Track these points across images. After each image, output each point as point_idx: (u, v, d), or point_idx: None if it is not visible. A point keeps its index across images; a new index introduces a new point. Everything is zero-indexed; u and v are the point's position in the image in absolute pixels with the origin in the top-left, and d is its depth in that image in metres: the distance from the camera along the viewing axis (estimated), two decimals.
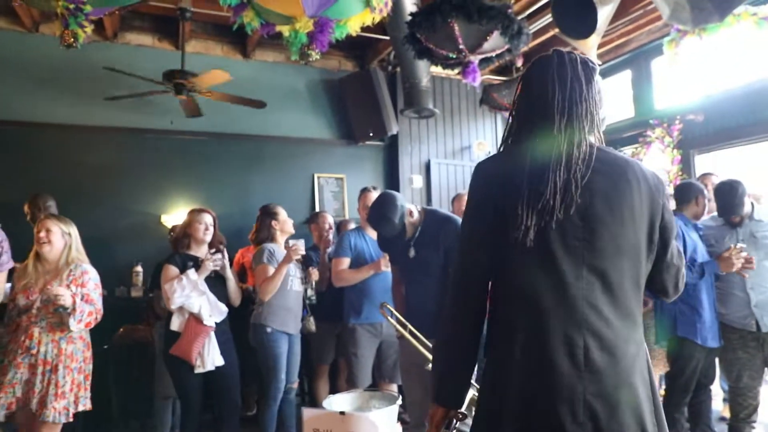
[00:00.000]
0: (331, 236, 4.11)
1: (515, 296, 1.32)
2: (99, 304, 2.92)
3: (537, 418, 1.26)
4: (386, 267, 3.33)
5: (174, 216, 5.00)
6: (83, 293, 2.86)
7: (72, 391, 2.80)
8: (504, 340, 1.32)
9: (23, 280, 2.87)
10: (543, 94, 1.37)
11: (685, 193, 3.35)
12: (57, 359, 2.77)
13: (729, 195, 3.15)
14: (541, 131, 1.36)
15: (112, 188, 4.96)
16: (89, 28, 2.76)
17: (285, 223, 3.62)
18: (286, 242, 3.55)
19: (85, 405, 2.87)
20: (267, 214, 3.65)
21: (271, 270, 3.37)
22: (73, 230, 2.99)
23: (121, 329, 4.02)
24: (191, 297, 3.09)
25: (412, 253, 2.77)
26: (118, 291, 4.54)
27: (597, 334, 1.27)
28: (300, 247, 3.33)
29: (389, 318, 2.67)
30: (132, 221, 4.99)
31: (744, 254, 3.00)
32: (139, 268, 4.72)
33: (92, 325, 2.87)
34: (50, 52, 4.52)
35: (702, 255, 3.20)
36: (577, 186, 1.30)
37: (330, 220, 4.26)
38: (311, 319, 3.64)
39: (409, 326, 2.61)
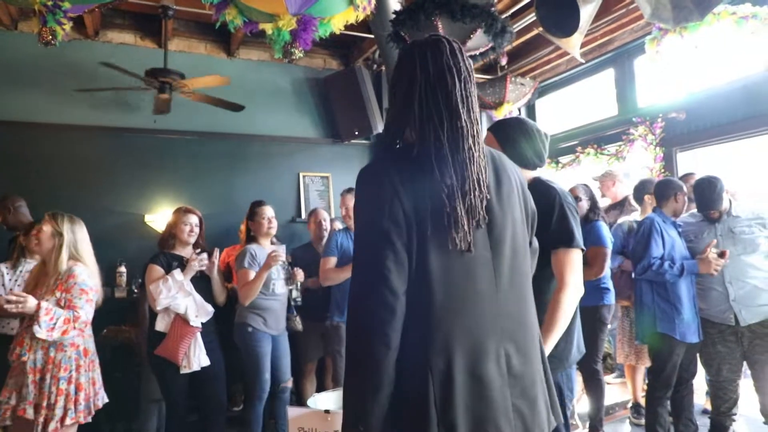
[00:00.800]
0: (324, 232, 4.10)
1: (441, 307, 1.20)
2: (82, 310, 2.70)
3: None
4: None
5: (158, 216, 4.95)
6: (66, 298, 2.71)
7: (58, 403, 2.62)
8: (440, 358, 1.19)
9: (29, 283, 2.84)
10: (443, 85, 1.26)
11: (665, 190, 3.39)
12: (45, 368, 2.66)
13: (708, 191, 3.20)
14: (449, 124, 1.25)
15: (95, 188, 4.90)
16: (68, 26, 2.73)
17: (260, 225, 3.52)
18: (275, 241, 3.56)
19: (75, 418, 2.68)
20: (250, 212, 3.62)
21: (252, 274, 3.37)
22: (70, 231, 2.84)
23: (105, 330, 3.97)
24: (177, 298, 3.07)
25: None
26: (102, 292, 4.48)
27: (513, 340, 1.27)
28: (281, 254, 3.31)
29: None
30: (115, 221, 4.94)
31: (714, 251, 3.06)
32: (123, 269, 4.67)
33: (70, 333, 2.65)
34: (30, 50, 4.44)
35: (680, 251, 3.24)
36: (487, 185, 1.27)
37: (323, 215, 4.24)
38: (297, 318, 3.63)
39: None
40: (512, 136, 2.01)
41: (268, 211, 3.55)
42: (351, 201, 3.58)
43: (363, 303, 1.20)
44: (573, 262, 1.85)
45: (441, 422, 1.16)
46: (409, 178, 1.22)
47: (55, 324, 2.59)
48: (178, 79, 4.31)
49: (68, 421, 2.64)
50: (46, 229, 2.82)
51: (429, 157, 1.23)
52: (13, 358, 2.68)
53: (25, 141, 4.77)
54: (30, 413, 2.60)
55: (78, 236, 2.87)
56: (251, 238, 3.57)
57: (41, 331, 2.54)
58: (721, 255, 3.06)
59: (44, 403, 2.61)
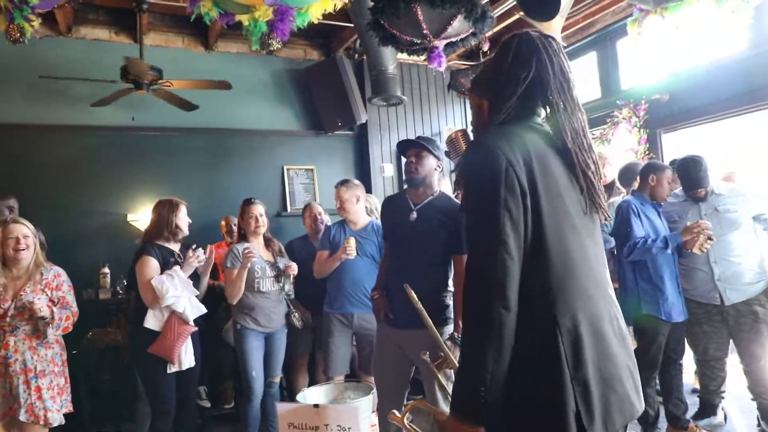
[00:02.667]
0: (320, 225, 4.06)
1: (564, 279, 1.26)
2: (75, 305, 2.90)
3: (614, 393, 1.25)
4: (345, 255, 3.32)
5: (141, 215, 4.88)
6: (59, 297, 2.83)
7: (59, 395, 2.78)
8: (566, 317, 1.24)
9: None
10: (567, 78, 1.37)
11: (641, 172, 3.41)
12: (41, 365, 2.73)
13: (694, 170, 3.20)
14: (566, 110, 1.36)
15: (74, 188, 4.82)
16: (36, 22, 2.67)
17: (248, 224, 3.51)
18: (270, 240, 3.61)
19: (68, 408, 2.85)
20: (240, 210, 3.59)
21: (235, 273, 3.37)
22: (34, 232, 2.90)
23: (90, 333, 3.92)
24: (182, 296, 2.98)
25: (413, 216, 2.68)
26: (86, 293, 4.40)
27: (614, 303, 1.35)
28: (253, 251, 3.30)
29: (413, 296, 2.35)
30: (97, 221, 4.86)
31: (709, 232, 3.05)
32: (107, 270, 4.59)
33: (70, 329, 2.83)
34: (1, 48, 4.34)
35: (656, 232, 3.24)
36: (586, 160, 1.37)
37: (317, 209, 4.19)
38: (296, 315, 3.61)
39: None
40: None
41: (256, 210, 3.51)
42: (345, 193, 3.53)
43: (484, 268, 1.22)
44: None
45: (574, 379, 1.19)
46: (523, 152, 1.28)
47: (61, 323, 2.76)
48: (155, 75, 4.20)
49: (64, 411, 2.80)
50: (29, 233, 2.81)
51: (572, 141, 1.35)
52: None
53: (7, 142, 4.66)
54: (22, 415, 2.63)
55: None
56: (243, 236, 3.56)
57: (53, 333, 2.73)
58: (709, 239, 3.06)
59: (38, 396, 2.68)
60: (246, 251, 3.28)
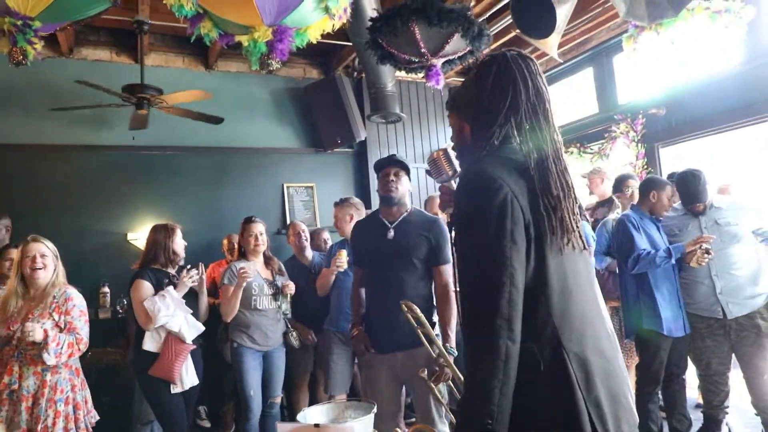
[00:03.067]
0: (304, 242, 4.08)
1: (563, 307, 1.27)
2: (83, 332, 2.75)
3: (621, 408, 1.28)
4: (336, 267, 3.39)
5: (140, 234, 4.88)
6: (66, 321, 2.70)
7: (57, 425, 2.61)
8: (571, 342, 1.25)
9: (5, 309, 2.69)
10: (542, 100, 1.36)
11: (642, 188, 3.44)
12: (39, 392, 2.61)
13: (692, 184, 3.21)
14: (550, 137, 1.35)
15: (74, 208, 4.83)
16: (39, 45, 2.68)
17: (247, 242, 3.52)
18: (270, 259, 3.65)
19: None
20: (240, 228, 3.61)
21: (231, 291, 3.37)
22: (56, 251, 2.84)
23: (90, 353, 3.88)
24: (175, 316, 2.98)
25: (391, 234, 2.67)
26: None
27: (606, 319, 1.39)
28: (249, 270, 3.30)
29: (408, 316, 2.37)
30: (97, 241, 4.86)
31: (707, 246, 3.06)
32: (107, 289, 4.59)
33: (75, 356, 2.71)
34: (2, 70, 4.37)
35: (655, 247, 3.24)
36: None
37: (300, 227, 4.21)
38: (294, 334, 3.59)
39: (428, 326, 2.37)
40: None
41: (256, 228, 3.52)
42: (339, 212, 3.63)
43: (490, 301, 1.21)
44: None
45: (587, 401, 1.21)
46: (520, 182, 1.28)
47: (61, 349, 2.60)
48: (155, 94, 4.25)
49: None
50: (48, 252, 2.76)
51: (536, 166, 1.31)
52: (1, 388, 2.59)
53: (2, 163, 4.68)
54: None
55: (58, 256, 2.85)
56: (243, 254, 3.57)
57: (50, 358, 2.56)
58: (707, 252, 3.06)
59: (38, 428, 2.56)
60: (241, 270, 3.28)
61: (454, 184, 1.61)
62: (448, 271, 2.65)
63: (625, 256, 3.26)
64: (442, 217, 2.21)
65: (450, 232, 1.45)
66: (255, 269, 3.46)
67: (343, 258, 3.35)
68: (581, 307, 1.30)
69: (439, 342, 2.56)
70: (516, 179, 1.27)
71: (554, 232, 1.27)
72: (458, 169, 1.61)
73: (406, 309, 2.36)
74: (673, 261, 3.13)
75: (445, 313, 2.64)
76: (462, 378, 1.99)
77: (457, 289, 1.36)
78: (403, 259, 2.63)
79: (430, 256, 2.64)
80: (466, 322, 1.28)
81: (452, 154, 1.61)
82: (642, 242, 3.18)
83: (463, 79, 5.98)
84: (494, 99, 1.35)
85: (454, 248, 1.40)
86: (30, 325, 2.52)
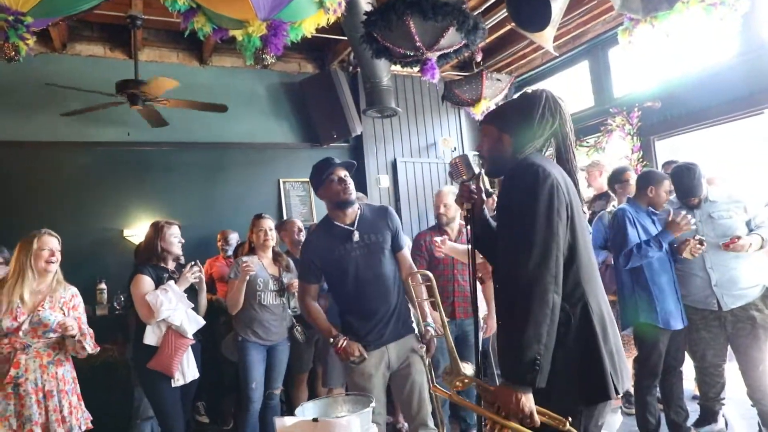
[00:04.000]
0: (300, 237, 4.06)
1: (588, 274, 1.63)
2: (87, 327, 2.85)
3: (623, 362, 1.64)
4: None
5: (137, 230, 4.87)
6: (75, 317, 2.78)
7: (72, 414, 2.72)
8: (593, 303, 1.61)
9: (6, 300, 2.66)
10: (570, 127, 1.81)
11: (640, 181, 3.43)
12: (50, 384, 2.66)
13: (687, 178, 3.21)
14: (573, 153, 1.81)
15: (69, 205, 4.81)
16: (31, 41, 2.66)
17: (257, 237, 3.56)
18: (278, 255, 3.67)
19: (87, 425, 2.79)
20: (251, 224, 3.65)
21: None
22: None
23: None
24: (177, 309, 3.00)
25: (356, 236, 2.62)
26: None
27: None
28: (251, 264, 3.35)
29: (413, 294, 2.65)
30: (93, 238, 4.85)
31: (699, 237, 3.08)
32: (103, 286, 4.57)
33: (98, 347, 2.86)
34: None
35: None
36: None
37: (299, 224, 4.20)
38: (298, 328, 3.61)
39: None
40: None
41: (266, 224, 3.58)
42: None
43: (543, 261, 1.53)
44: None
45: (605, 351, 1.57)
46: (558, 173, 1.67)
47: (89, 342, 2.76)
48: (138, 87, 4.19)
49: (84, 428, 2.76)
50: (57, 246, 2.81)
51: (565, 166, 1.77)
52: (8, 381, 2.59)
53: (2, 160, 4.65)
54: None
55: None
56: (252, 249, 3.61)
57: (90, 348, 2.76)
58: (701, 243, 3.07)
59: (56, 418, 2.64)
60: (244, 265, 3.34)
61: (472, 185, 1.91)
62: (407, 253, 2.80)
63: (618, 251, 3.27)
64: (461, 213, 2.25)
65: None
66: (259, 264, 3.49)
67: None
68: (596, 275, 1.68)
69: (413, 336, 2.68)
70: (556, 171, 1.66)
71: (577, 213, 1.65)
72: (476, 172, 1.93)
73: (412, 282, 2.64)
74: (664, 249, 3.13)
75: (417, 293, 2.71)
76: (453, 346, 2.23)
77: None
78: (376, 255, 2.63)
79: (393, 243, 2.70)
80: (511, 282, 1.58)
81: (470, 158, 1.96)
82: (635, 237, 3.19)
83: (458, 73, 5.99)
84: (542, 123, 1.75)
85: (500, 227, 1.75)
86: (70, 320, 2.65)
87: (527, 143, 1.74)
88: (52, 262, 2.76)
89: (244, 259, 3.43)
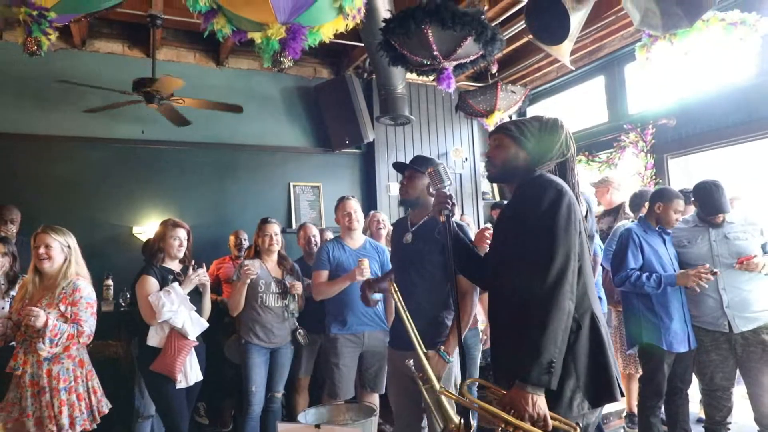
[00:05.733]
0: (314, 248, 4.04)
1: (590, 284, 1.76)
2: (87, 324, 2.75)
3: (615, 366, 1.77)
4: (361, 276, 3.19)
5: (146, 227, 4.89)
6: (72, 312, 2.72)
7: (63, 413, 2.65)
8: (597, 310, 1.76)
9: (20, 296, 2.77)
10: (575, 153, 1.98)
11: (651, 199, 3.39)
12: (42, 381, 2.65)
13: (716, 193, 3.15)
14: (577, 176, 1.98)
15: (81, 200, 4.84)
16: (54, 36, 2.68)
17: (262, 241, 3.56)
18: (284, 258, 3.65)
19: (83, 425, 2.73)
20: (257, 228, 3.65)
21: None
22: (72, 242, 2.87)
23: (91, 345, 3.88)
24: (180, 312, 2.99)
25: (409, 237, 2.62)
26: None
27: None
28: (252, 268, 3.35)
29: (395, 294, 2.42)
30: (102, 234, 4.87)
31: (709, 276, 3.03)
32: (110, 282, 4.59)
33: (73, 348, 2.73)
34: (15, 60, 4.39)
35: (665, 260, 3.22)
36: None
37: (312, 231, 4.19)
38: (301, 331, 3.59)
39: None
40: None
41: (272, 228, 3.58)
42: (351, 208, 3.51)
43: (563, 271, 1.63)
44: None
45: (610, 351, 1.73)
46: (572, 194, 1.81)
47: (58, 341, 2.63)
48: (151, 85, 4.20)
49: (78, 429, 2.71)
50: (55, 244, 2.79)
51: (572, 188, 1.86)
52: (7, 371, 2.67)
53: (10, 152, 4.70)
54: (29, 426, 2.62)
55: (75, 247, 2.88)
56: (257, 253, 3.61)
57: (44, 348, 2.59)
58: (713, 273, 3.03)
59: (47, 414, 2.63)
60: (245, 268, 3.35)
61: (447, 191, 2.02)
62: None
63: (614, 270, 3.25)
64: (441, 219, 2.12)
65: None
66: (261, 266, 3.50)
67: (367, 266, 3.24)
68: (594, 284, 1.80)
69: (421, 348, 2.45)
70: (568, 187, 1.78)
71: (585, 228, 1.77)
72: (446, 182, 2.06)
73: (394, 290, 2.44)
74: (659, 291, 3.11)
75: (463, 317, 2.53)
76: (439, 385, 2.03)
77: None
78: (418, 264, 2.56)
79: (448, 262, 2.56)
80: (526, 289, 1.65)
81: (442, 172, 2.07)
82: (633, 261, 3.17)
83: (473, 83, 5.98)
84: (561, 149, 1.91)
85: (505, 237, 1.87)
86: (36, 310, 2.56)
87: (542, 163, 1.90)
88: (43, 259, 2.74)
89: (246, 262, 3.44)
